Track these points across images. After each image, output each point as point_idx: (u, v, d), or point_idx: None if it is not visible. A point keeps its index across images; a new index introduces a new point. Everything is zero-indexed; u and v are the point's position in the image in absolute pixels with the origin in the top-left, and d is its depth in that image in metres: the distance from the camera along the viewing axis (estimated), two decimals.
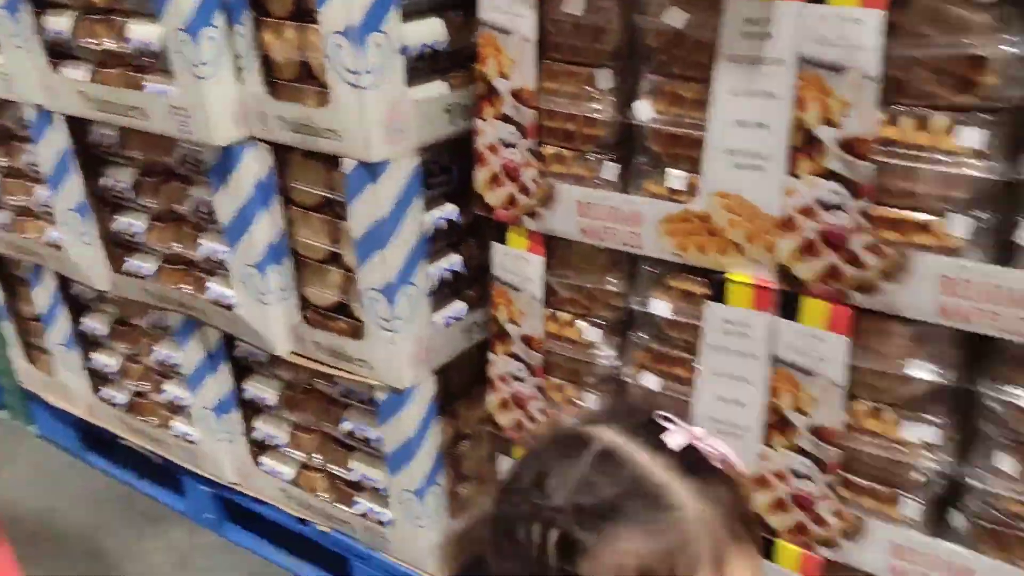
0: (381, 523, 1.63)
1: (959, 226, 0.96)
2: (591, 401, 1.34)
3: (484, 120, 1.23)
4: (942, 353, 1.03)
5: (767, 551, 1.22)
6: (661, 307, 1.20)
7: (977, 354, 1.03)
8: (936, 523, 1.12)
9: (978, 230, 0.96)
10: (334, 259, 1.48)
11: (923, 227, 0.98)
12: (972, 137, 0.93)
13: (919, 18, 0.90)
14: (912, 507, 1.12)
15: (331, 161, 1.37)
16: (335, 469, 1.67)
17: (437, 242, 1.46)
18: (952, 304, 0.98)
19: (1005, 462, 1.04)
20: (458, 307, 1.54)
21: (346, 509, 1.67)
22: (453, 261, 1.50)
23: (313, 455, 1.70)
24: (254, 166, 1.44)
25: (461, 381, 1.62)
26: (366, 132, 1.27)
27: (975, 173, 0.93)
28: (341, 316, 1.51)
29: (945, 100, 0.93)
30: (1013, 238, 0.95)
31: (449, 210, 1.46)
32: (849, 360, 1.07)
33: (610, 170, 1.18)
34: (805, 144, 1.00)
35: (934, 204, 0.97)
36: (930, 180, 0.96)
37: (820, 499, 1.15)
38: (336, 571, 1.76)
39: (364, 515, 1.64)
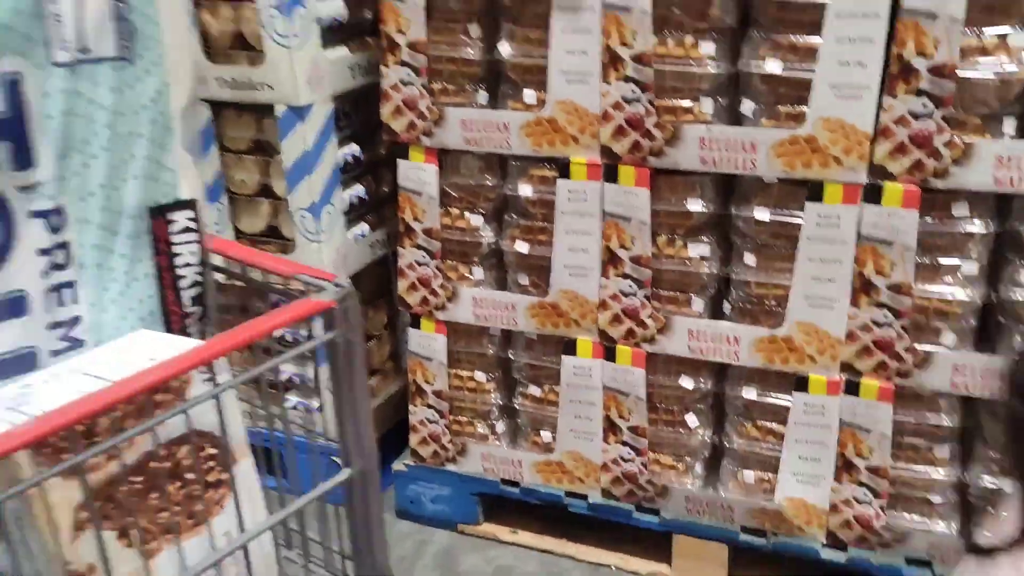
0: (308, 411, 2.01)
1: (707, 106, 1.56)
2: (478, 274, 1.82)
3: (388, 67, 1.70)
4: (707, 191, 1.62)
5: (612, 355, 1.75)
6: (526, 190, 1.72)
7: (727, 189, 1.63)
8: (715, 311, 1.71)
9: (718, 106, 1.56)
10: (263, 192, 1.87)
11: (687, 109, 1.57)
12: (708, 48, 1.53)
13: None
14: (699, 303, 1.70)
15: (260, 111, 1.78)
16: None
17: (345, 174, 1.90)
18: (708, 156, 1.56)
19: (750, 260, 1.64)
20: (363, 227, 1.98)
21: None
22: (358, 189, 1.94)
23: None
24: (195, 120, 1.81)
25: (368, 290, 2.06)
26: (295, 82, 1.70)
27: (711, 71, 1.53)
28: (271, 238, 1.90)
29: (690, 26, 1.52)
30: (740, 109, 1.56)
31: (354, 148, 1.90)
32: (651, 206, 1.64)
33: (482, 96, 1.69)
34: (611, 61, 1.56)
35: (691, 93, 1.56)
36: (686, 78, 1.54)
37: (642, 309, 1.71)
38: None
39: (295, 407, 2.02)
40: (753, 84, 1.53)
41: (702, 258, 1.67)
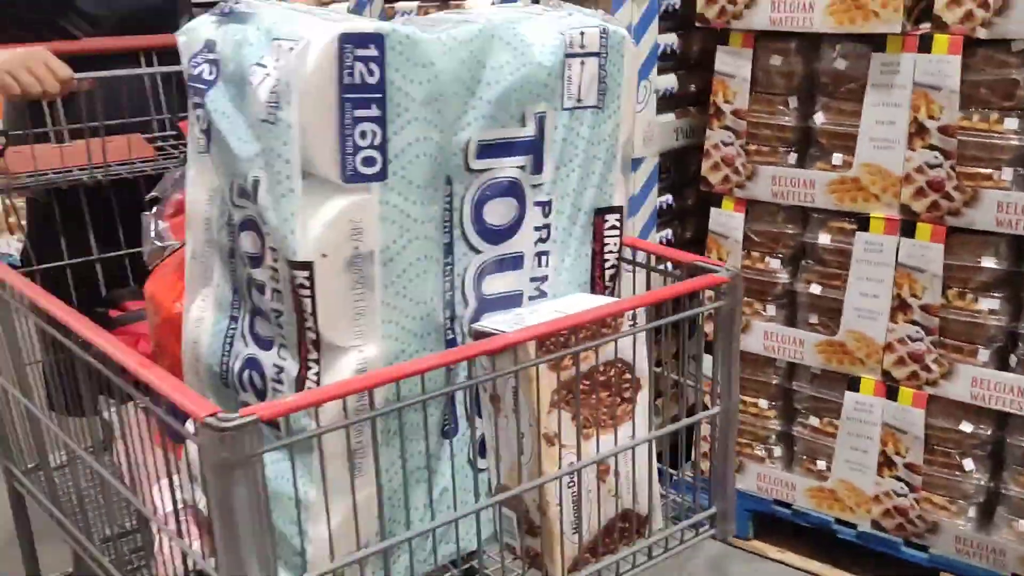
0: None
1: (1007, 174, 1.74)
2: (771, 311, 2.08)
3: (712, 129, 2.04)
4: (1000, 250, 1.78)
5: (894, 394, 1.93)
6: (824, 239, 1.97)
7: (1020, 248, 1.78)
8: (1000, 363, 1.85)
9: (1017, 175, 1.74)
10: None
11: (987, 176, 1.76)
12: (1012, 124, 1.72)
13: (980, 60, 1.71)
14: (985, 354, 1.84)
15: None
16: None
17: (659, 218, 2.25)
18: (1004, 218, 1.74)
19: None
20: (668, 266, 2.31)
21: None
22: (667, 233, 2.28)
23: None
24: None
25: None
26: (635, 139, 2.09)
27: (1014, 143, 1.72)
28: None
29: (996, 104, 1.72)
30: None
31: (668, 197, 2.26)
32: (944, 260, 1.82)
33: (792, 157, 1.98)
34: (918, 131, 1.79)
35: (992, 162, 1.75)
36: (988, 148, 1.74)
37: (927, 354, 1.88)
38: None
39: None
40: None
41: (991, 312, 1.82)
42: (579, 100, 1.12)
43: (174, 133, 1.52)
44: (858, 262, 1.92)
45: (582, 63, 1.10)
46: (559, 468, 1.07)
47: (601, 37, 1.10)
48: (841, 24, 1.82)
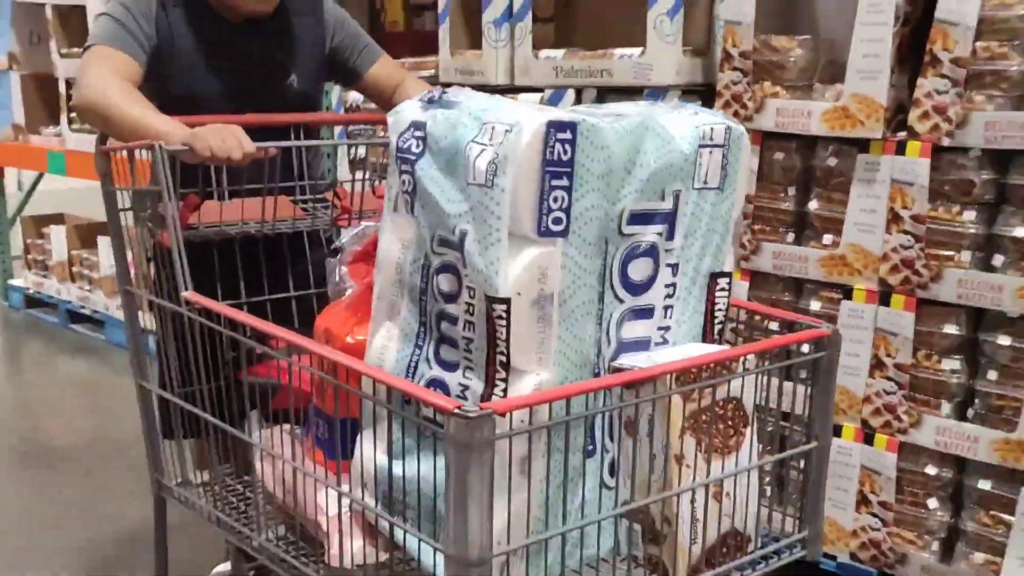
0: None
1: (966, 256, 2.13)
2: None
3: None
4: (961, 320, 2.16)
5: (871, 440, 2.26)
6: (816, 306, 2.31)
7: (978, 318, 2.16)
8: (960, 415, 2.21)
9: (974, 257, 2.13)
10: None
11: (949, 258, 2.15)
12: (970, 215, 2.12)
13: (945, 163, 2.12)
14: (947, 407, 2.20)
15: None
16: None
17: None
18: (964, 293, 2.12)
19: (993, 375, 2.15)
20: None
21: None
22: None
23: None
24: None
25: None
26: None
27: (971, 231, 2.11)
28: None
29: (957, 199, 2.12)
30: (992, 262, 2.12)
31: None
32: (914, 327, 2.19)
33: (790, 236, 2.33)
34: (894, 218, 2.17)
35: (954, 246, 2.14)
36: (951, 235, 2.13)
37: (899, 406, 2.22)
38: None
39: None
40: (1004, 244, 2.10)
41: (952, 371, 2.19)
42: (705, 182, 1.39)
43: (315, 196, 1.71)
44: (843, 327, 2.26)
45: (711, 152, 1.38)
46: (687, 483, 1.30)
47: (726, 132, 1.39)
48: (833, 129, 2.20)
